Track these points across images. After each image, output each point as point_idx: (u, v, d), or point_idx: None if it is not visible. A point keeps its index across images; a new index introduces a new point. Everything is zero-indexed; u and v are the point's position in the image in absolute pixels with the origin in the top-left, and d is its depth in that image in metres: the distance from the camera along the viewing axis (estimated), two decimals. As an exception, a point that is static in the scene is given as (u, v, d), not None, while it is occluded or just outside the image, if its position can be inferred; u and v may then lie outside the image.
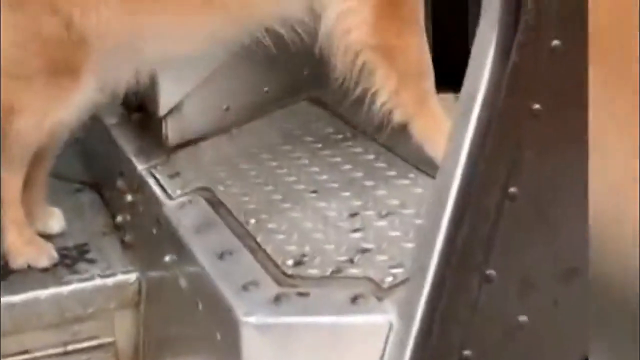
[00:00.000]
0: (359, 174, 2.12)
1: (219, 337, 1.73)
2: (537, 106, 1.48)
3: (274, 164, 2.27)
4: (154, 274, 2.28)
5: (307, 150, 2.32)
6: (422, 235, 1.55)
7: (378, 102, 2.03)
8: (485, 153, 1.46)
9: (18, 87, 2.21)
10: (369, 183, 2.07)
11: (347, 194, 2.04)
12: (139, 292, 2.37)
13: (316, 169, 2.20)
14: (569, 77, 1.49)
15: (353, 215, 1.94)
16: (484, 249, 1.49)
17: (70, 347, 2.32)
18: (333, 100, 2.52)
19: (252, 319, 1.63)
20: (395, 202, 1.96)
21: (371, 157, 2.21)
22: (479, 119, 1.49)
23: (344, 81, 2.06)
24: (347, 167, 2.18)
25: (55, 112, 2.19)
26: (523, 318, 1.54)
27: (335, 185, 2.09)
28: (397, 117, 2.03)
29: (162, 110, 2.48)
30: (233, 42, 2.24)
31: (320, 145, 2.32)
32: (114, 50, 2.14)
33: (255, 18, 2.13)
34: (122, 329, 2.37)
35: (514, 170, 1.48)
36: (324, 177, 2.15)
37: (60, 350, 2.31)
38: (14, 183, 2.33)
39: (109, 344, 2.36)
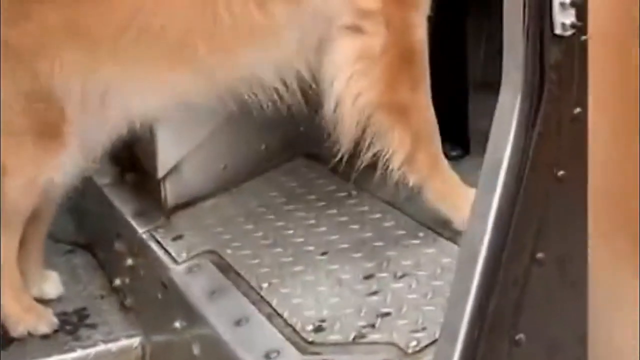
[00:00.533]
0: (368, 234, 2.13)
1: (242, 407, 1.72)
2: (561, 172, 1.51)
3: (280, 224, 2.27)
4: (160, 338, 2.25)
5: (312, 209, 2.32)
6: (452, 302, 1.55)
7: (393, 166, 2.03)
8: (513, 220, 1.48)
9: (10, 147, 2.19)
10: (379, 243, 2.08)
11: (359, 255, 2.05)
12: (143, 356, 2.34)
13: (324, 229, 2.20)
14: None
15: (368, 277, 1.94)
16: (513, 315, 1.51)
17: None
18: (330, 156, 2.54)
19: (278, 389, 1.62)
20: (408, 262, 1.97)
21: (377, 215, 2.22)
22: (505, 186, 1.50)
23: (353, 147, 2.06)
24: (355, 226, 2.19)
25: (45, 173, 2.17)
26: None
27: (346, 246, 2.10)
28: (412, 180, 2.04)
29: (161, 171, 2.47)
30: (212, 100, 2.18)
31: (324, 204, 2.33)
32: (84, 107, 2.12)
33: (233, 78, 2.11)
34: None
35: (540, 236, 1.51)
36: (333, 237, 2.15)
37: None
38: (9, 247, 2.29)
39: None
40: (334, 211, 2.27)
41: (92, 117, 2.17)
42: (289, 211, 2.32)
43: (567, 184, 1.53)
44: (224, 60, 2.13)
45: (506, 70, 1.52)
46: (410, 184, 2.03)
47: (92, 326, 2.38)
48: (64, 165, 2.19)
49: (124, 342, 2.33)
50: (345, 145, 2.06)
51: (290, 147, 2.69)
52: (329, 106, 2.07)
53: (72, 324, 2.38)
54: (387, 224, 2.17)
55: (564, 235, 1.55)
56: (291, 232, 2.21)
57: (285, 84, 2.18)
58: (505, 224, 1.49)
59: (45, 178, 2.19)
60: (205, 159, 2.53)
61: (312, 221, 2.24)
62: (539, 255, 1.52)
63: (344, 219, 2.24)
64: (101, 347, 2.31)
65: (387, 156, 2.02)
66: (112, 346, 2.32)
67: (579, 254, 1.58)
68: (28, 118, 2.17)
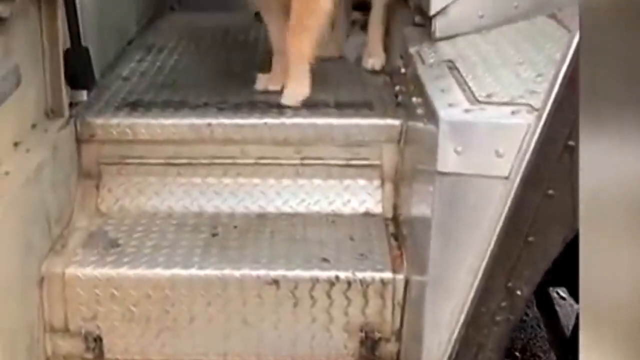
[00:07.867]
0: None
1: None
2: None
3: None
4: (411, 122, 3.34)
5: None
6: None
7: None
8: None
9: None
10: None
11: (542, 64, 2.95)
12: (401, 133, 3.45)
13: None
14: None
15: (538, 76, 2.84)
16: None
17: (352, 162, 3.47)
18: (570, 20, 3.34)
19: (447, 118, 2.62)
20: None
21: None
22: None
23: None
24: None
25: None
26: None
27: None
28: None
29: (432, 11, 3.48)
30: None
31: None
32: None
33: None
34: (387, 156, 3.46)
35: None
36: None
37: (344, 162, 3.47)
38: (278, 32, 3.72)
39: (377, 165, 3.48)
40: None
41: None
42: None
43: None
44: None
45: None
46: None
47: (373, 109, 3.56)
48: None
49: (390, 121, 3.45)
50: None
51: (540, 8, 3.54)
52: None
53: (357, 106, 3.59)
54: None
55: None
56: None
57: None
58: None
59: None
60: (467, 6, 3.49)
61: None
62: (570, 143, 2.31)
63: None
64: (374, 121, 3.46)
65: None
66: (382, 122, 3.46)
67: None
68: None
